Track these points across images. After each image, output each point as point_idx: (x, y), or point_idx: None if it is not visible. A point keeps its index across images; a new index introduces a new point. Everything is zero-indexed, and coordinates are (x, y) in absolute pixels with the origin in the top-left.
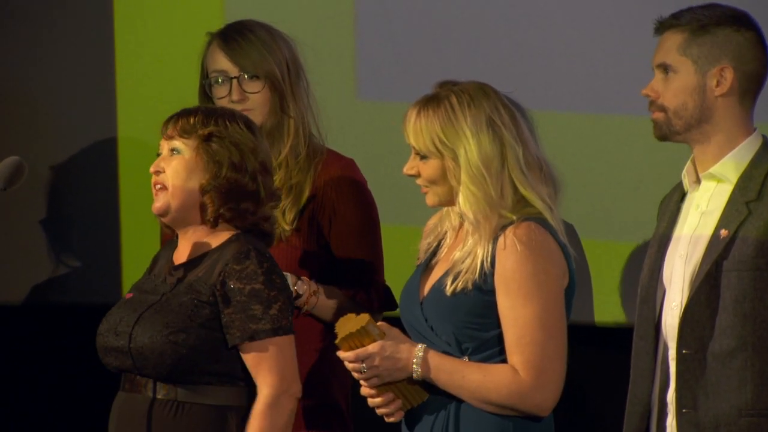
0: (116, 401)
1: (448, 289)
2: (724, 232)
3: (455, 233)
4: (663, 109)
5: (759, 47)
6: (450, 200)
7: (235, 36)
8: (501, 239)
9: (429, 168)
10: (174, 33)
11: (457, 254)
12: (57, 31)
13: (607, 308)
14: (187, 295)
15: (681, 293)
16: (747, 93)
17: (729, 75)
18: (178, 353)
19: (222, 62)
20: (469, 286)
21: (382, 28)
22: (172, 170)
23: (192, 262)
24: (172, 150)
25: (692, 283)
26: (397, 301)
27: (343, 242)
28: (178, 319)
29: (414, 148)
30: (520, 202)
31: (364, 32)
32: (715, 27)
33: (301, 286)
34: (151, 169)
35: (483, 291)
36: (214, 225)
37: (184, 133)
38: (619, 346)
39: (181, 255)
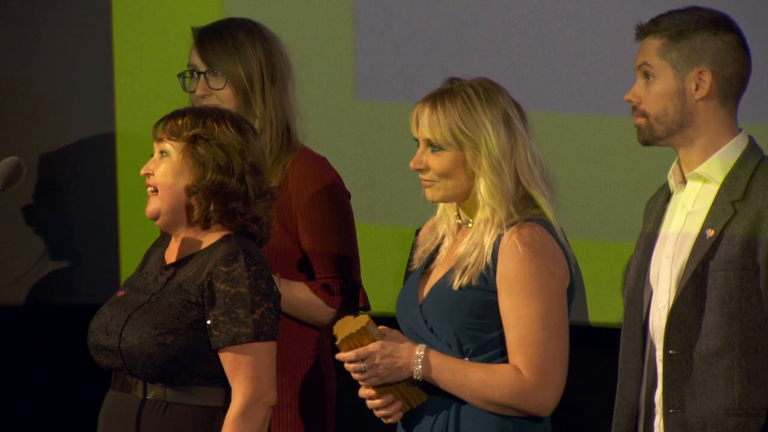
0: (106, 399)
1: (456, 283)
2: (710, 232)
3: (453, 237)
4: (645, 114)
5: (739, 50)
6: (455, 195)
7: (209, 33)
8: (504, 239)
9: (442, 160)
10: (173, 33)
11: (462, 249)
12: (56, 30)
13: (602, 308)
14: (176, 296)
15: (668, 294)
16: (729, 95)
17: (707, 78)
18: (166, 354)
19: (194, 57)
20: (474, 281)
21: (381, 29)
22: (160, 173)
23: (182, 262)
24: (162, 152)
25: (679, 283)
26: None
27: (309, 240)
28: (167, 320)
29: (428, 140)
30: (524, 200)
31: (362, 33)
32: (693, 32)
33: None
34: (142, 172)
35: (485, 290)
36: (205, 226)
37: (173, 135)
38: (613, 346)
39: (172, 254)
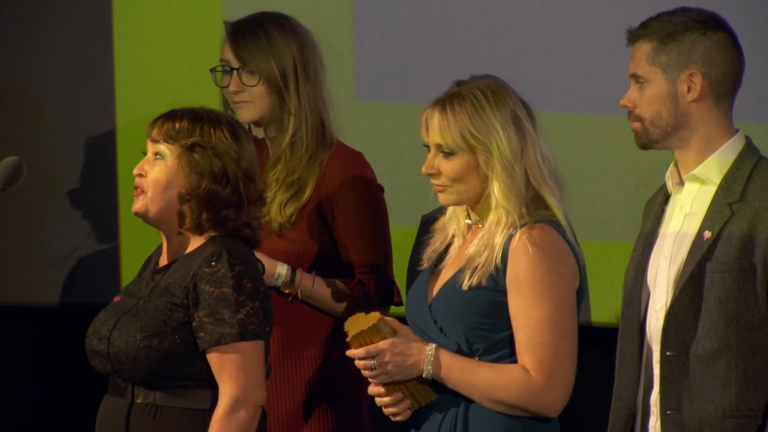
0: (102, 404)
1: (465, 284)
2: (707, 234)
3: (463, 237)
4: (640, 119)
5: (729, 48)
6: (468, 199)
7: (243, 28)
8: (514, 239)
9: (455, 164)
10: (173, 33)
11: (473, 249)
12: (56, 30)
13: (605, 308)
14: (162, 299)
15: (665, 295)
16: (722, 95)
17: (698, 80)
18: (152, 358)
19: (227, 52)
20: (484, 282)
21: (381, 29)
22: (153, 175)
23: (170, 265)
24: (156, 154)
25: (676, 284)
26: (403, 301)
27: (344, 236)
28: (152, 324)
29: (439, 145)
30: (534, 200)
31: (363, 32)
32: (681, 33)
33: (283, 268)
34: (135, 171)
35: (494, 290)
36: (195, 233)
37: (169, 139)
38: (611, 346)
39: (164, 258)
